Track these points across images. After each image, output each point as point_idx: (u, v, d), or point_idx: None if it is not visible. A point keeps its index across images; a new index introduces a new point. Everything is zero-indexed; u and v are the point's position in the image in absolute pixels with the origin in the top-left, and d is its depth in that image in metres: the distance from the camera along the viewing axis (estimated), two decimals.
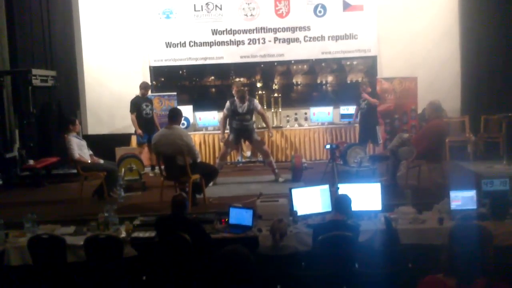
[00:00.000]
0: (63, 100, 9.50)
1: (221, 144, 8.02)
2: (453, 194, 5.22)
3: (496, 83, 9.24)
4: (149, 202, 6.54)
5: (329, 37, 10.02)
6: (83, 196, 6.77)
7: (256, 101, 7.96)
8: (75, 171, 7.27)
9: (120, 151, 8.06)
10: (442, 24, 9.84)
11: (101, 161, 7.08)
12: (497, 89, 9.17)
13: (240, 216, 5.16)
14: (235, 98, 7.64)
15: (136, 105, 8.49)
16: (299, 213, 5.23)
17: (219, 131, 8.27)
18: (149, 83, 9.36)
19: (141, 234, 5.04)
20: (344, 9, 9.98)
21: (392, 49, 9.88)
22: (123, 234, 5.07)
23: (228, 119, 7.75)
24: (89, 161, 6.96)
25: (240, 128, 7.63)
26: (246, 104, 7.57)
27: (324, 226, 4.57)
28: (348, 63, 10.18)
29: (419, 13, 9.83)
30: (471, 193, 5.22)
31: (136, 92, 8.69)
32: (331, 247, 4.23)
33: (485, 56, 9.39)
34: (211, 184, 6.99)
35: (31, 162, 8.24)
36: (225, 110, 7.74)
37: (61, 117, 8.98)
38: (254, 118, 7.98)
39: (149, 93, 8.97)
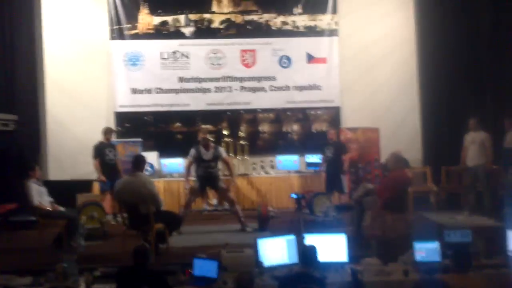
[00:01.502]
0: (25, 145, 9.24)
1: (186, 191, 7.94)
2: (417, 245, 5.27)
3: (455, 134, 9.48)
4: (111, 252, 6.33)
5: (293, 87, 10.26)
6: (42, 245, 6.49)
7: (222, 149, 7.97)
8: (34, 218, 7.02)
9: (81, 198, 7.84)
10: (402, 76, 10.20)
11: (62, 209, 6.88)
12: (457, 140, 9.40)
13: (204, 268, 5.04)
14: (199, 145, 7.63)
15: (99, 151, 8.34)
16: (266, 264, 5.15)
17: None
18: (113, 128, 9.27)
19: (101, 286, 4.88)
20: (308, 61, 10.28)
21: (355, 100, 10.15)
22: (82, 286, 4.90)
23: (194, 166, 7.69)
24: (49, 209, 6.75)
25: (205, 176, 7.59)
26: (211, 151, 7.57)
27: (290, 278, 4.50)
28: (312, 112, 10.37)
29: (379, 65, 10.16)
30: (435, 245, 5.28)
31: (100, 137, 8.57)
32: None
33: (444, 108, 9.68)
34: (175, 233, 6.86)
35: None
36: (189, 157, 7.70)
37: (21, 163, 8.71)
38: (220, 166, 7.95)
39: (113, 138, 8.87)
